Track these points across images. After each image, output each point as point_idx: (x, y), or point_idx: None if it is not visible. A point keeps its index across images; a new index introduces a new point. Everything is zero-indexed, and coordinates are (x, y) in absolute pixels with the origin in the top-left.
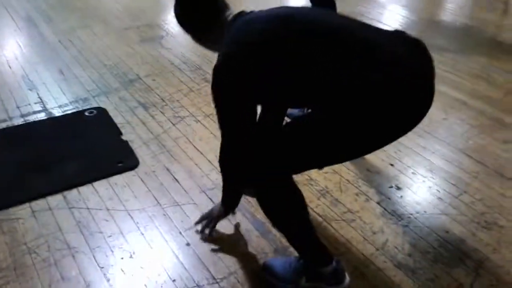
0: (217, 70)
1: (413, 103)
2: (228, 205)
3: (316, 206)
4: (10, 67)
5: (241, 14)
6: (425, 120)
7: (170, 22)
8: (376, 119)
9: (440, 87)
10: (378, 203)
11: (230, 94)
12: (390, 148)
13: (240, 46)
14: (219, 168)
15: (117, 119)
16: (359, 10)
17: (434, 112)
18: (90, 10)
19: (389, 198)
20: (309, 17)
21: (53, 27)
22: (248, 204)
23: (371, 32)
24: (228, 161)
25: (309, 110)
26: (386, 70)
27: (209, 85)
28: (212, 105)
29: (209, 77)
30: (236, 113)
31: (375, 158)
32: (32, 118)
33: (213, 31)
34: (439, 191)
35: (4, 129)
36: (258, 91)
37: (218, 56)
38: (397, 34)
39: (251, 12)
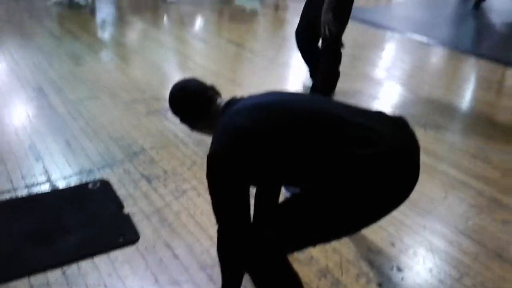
0: (211, 159)
1: (402, 176)
2: None
3: (316, 287)
4: (18, 136)
5: (231, 102)
6: (426, 199)
7: None
8: (368, 193)
9: (439, 166)
10: (379, 284)
11: (225, 181)
12: (390, 227)
13: (231, 136)
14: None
15: (120, 192)
16: (357, 87)
17: (434, 190)
18: (100, 82)
19: (390, 280)
20: (294, 104)
21: (63, 97)
22: None
23: (356, 113)
24: (227, 246)
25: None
26: (373, 147)
27: None
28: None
29: None
30: (231, 199)
31: (376, 236)
32: (36, 189)
33: (206, 120)
34: (440, 273)
35: (7, 200)
36: (251, 176)
37: (211, 144)
38: (380, 114)
39: (241, 99)
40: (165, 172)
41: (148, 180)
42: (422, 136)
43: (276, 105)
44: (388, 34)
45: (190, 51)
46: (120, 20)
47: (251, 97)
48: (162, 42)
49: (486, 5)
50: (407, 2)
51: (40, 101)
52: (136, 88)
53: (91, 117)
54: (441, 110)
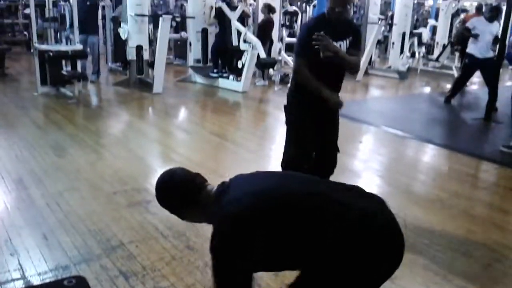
0: (219, 250)
1: (390, 248)
2: None
3: None
4: None
5: (224, 188)
6: None
7: None
8: (362, 266)
9: (419, 260)
10: None
11: (234, 269)
12: None
13: (234, 222)
14: None
15: None
16: (336, 179)
17: (416, 287)
18: (81, 173)
19: None
20: (287, 188)
21: (43, 189)
22: None
23: (342, 192)
24: None
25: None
26: (361, 224)
27: (192, 253)
28: (195, 276)
29: (193, 244)
30: (241, 285)
31: None
32: (10, 286)
33: (196, 208)
34: None
35: None
36: (252, 261)
37: (215, 235)
38: (359, 190)
39: (231, 182)
40: (144, 268)
41: (126, 277)
42: (402, 229)
43: (269, 190)
44: (364, 127)
45: (173, 143)
46: (106, 111)
47: (242, 180)
48: (146, 133)
49: (455, 100)
50: (381, 97)
51: (19, 193)
52: (117, 180)
53: (70, 210)
54: (420, 203)
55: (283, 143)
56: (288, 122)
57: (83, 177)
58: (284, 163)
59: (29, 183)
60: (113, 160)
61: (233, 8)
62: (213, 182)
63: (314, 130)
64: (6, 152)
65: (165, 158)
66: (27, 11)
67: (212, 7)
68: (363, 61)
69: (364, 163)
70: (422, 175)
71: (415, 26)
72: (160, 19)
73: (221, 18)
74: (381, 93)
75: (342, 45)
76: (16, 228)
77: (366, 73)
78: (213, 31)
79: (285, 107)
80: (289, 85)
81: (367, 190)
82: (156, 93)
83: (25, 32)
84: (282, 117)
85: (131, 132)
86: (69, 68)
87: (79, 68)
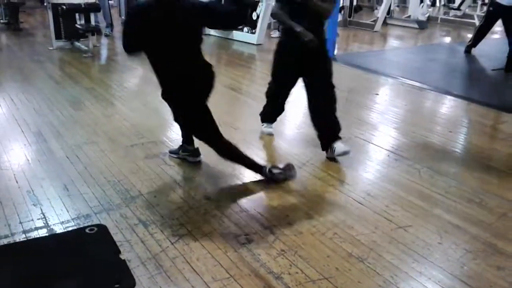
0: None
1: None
2: None
3: None
4: (16, 182)
5: None
6: (421, 244)
7: (174, 139)
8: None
9: (434, 210)
10: None
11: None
12: (386, 272)
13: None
14: None
15: (117, 237)
16: (352, 131)
17: (429, 235)
18: (99, 126)
19: None
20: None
21: (62, 142)
22: None
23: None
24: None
25: None
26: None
27: (209, 203)
28: (212, 225)
29: (209, 194)
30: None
31: (371, 282)
32: (34, 234)
33: None
34: None
35: (5, 245)
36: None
37: None
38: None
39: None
40: (162, 216)
41: (145, 225)
42: (418, 180)
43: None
44: (382, 79)
45: None
46: (120, 65)
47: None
48: None
49: (476, 50)
50: (399, 48)
51: (39, 145)
52: (134, 133)
53: (89, 162)
54: (436, 155)
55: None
56: (274, 58)
57: (101, 130)
58: (266, 93)
59: (48, 136)
60: (129, 113)
61: None
62: (228, 135)
63: (295, 68)
64: (24, 105)
65: None
66: None
67: None
68: (381, 11)
69: (381, 115)
70: (439, 126)
71: None
72: None
73: None
74: (399, 44)
75: None
76: (37, 180)
77: (384, 23)
78: None
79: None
80: None
81: (384, 142)
82: None
83: None
84: None
85: (146, 85)
86: (82, 22)
87: (92, 22)
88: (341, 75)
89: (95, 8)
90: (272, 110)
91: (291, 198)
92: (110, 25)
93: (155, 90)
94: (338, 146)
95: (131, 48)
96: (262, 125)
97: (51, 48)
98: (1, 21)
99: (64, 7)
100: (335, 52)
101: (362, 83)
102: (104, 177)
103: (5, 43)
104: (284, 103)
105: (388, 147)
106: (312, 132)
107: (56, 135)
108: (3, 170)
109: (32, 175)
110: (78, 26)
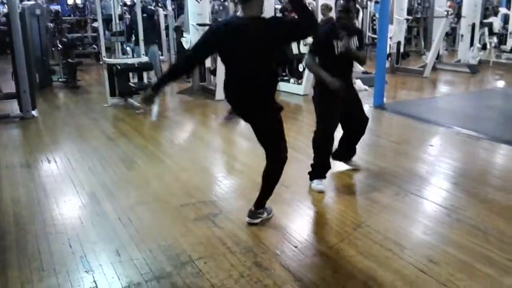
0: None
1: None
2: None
3: None
4: (70, 247)
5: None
6: None
7: (224, 199)
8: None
9: (505, 279)
10: None
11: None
12: None
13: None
14: None
15: None
16: (408, 188)
17: None
18: (150, 186)
19: None
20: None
21: (114, 203)
22: None
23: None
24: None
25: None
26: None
27: (260, 271)
28: None
29: (260, 260)
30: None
31: None
32: None
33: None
34: None
35: None
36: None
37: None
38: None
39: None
40: (212, 286)
41: None
42: (484, 244)
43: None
44: (434, 128)
45: (236, 151)
46: (171, 120)
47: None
48: (210, 142)
49: None
50: (451, 94)
51: (92, 207)
52: (184, 193)
53: (141, 224)
54: (501, 213)
55: None
56: (316, 109)
57: (152, 190)
58: (313, 145)
59: (102, 197)
60: (179, 172)
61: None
62: (279, 194)
63: (338, 110)
64: (79, 164)
65: (229, 168)
66: (95, 24)
67: None
68: (430, 56)
69: (436, 169)
70: (500, 180)
71: (484, 16)
72: None
73: None
74: (450, 90)
75: (351, 43)
76: (90, 244)
77: (434, 68)
78: None
79: (312, 98)
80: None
81: (442, 199)
82: (218, 99)
83: (94, 45)
84: None
85: (196, 142)
86: (136, 80)
87: (145, 79)
88: (391, 125)
89: (147, 67)
90: (322, 163)
91: (347, 266)
92: None
93: (203, 145)
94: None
95: (197, 53)
96: (312, 182)
97: (106, 105)
98: (60, 79)
99: (119, 67)
100: (384, 100)
101: (413, 133)
102: (155, 241)
103: (63, 101)
104: (330, 154)
105: (448, 205)
106: (365, 191)
107: (109, 196)
108: (58, 234)
109: (85, 238)
110: (131, 85)
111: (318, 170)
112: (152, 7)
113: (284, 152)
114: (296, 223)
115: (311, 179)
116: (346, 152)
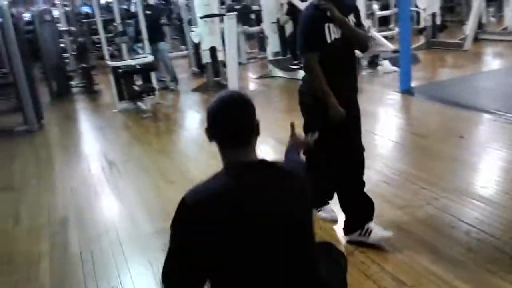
0: (183, 203)
1: None
2: None
3: None
4: None
5: (247, 166)
6: None
7: None
8: None
9: None
10: None
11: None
12: None
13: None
14: None
15: None
16: (431, 196)
17: None
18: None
19: None
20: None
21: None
22: None
23: None
24: None
25: None
26: None
27: None
28: None
29: None
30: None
31: None
32: None
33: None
34: None
35: None
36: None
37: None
38: None
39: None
40: None
41: None
42: None
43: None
44: (471, 114)
45: None
46: (178, 125)
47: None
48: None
49: None
50: (497, 69)
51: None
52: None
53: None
54: None
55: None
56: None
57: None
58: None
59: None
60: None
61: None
62: None
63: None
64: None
65: None
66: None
67: (282, 5)
68: (470, 25)
69: (474, 172)
70: None
71: None
72: (225, 18)
73: (294, 12)
74: (497, 64)
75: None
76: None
77: (476, 39)
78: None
79: (299, 103)
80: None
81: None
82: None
83: (109, 47)
84: (368, 108)
85: (202, 152)
86: (140, 82)
87: (154, 80)
88: (418, 114)
89: (150, 68)
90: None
91: None
92: (174, 79)
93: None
94: (376, 228)
95: None
96: (318, 210)
97: (114, 111)
98: (79, 85)
99: (120, 70)
100: (412, 84)
101: (445, 123)
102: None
103: (74, 108)
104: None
105: (497, 230)
106: None
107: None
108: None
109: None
110: (135, 88)
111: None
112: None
113: None
114: None
115: (317, 207)
116: (358, 210)
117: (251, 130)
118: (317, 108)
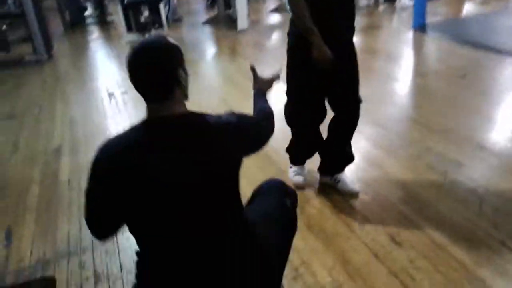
0: (100, 148)
1: None
2: None
3: None
4: None
5: (161, 121)
6: None
7: None
8: None
9: None
10: None
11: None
12: None
13: (122, 154)
14: None
15: None
16: (438, 149)
17: None
18: None
19: None
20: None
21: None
22: None
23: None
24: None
25: None
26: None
27: None
28: None
29: None
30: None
31: None
32: None
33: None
34: None
35: None
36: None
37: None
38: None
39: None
40: None
41: None
42: None
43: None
44: (492, 56)
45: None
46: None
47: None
48: (210, 86)
49: None
50: None
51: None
52: None
53: None
54: None
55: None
56: (288, 67)
57: None
58: (286, 119)
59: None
60: None
61: None
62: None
63: (316, 77)
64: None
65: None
66: None
67: None
68: None
69: (489, 121)
70: None
71: None
72: None
73: None
74: None
75: None
76: None
77: None
78: None
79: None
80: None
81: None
82: (240, 30)
83: None
84: (374, 46)
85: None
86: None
87: (162, 11)
88: (425, 52)
89: None
90: (298, 144)
91: None
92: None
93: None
94: (347, 180)
95: None
96: (290, 167)
97: (122, 42)
98: (92, 15)
99: (127, 0)
100: (427, 21)
101: (450, 62)
102: None
103: (85, 39)
104: (313, 134)
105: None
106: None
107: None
108: None
109: None
110: (141, 19)
111: (296, 153)
112: None
113: None
114: None
115: (291, 161)
116: (330, 160)
117: (171, 81)
118: (299, 48)
